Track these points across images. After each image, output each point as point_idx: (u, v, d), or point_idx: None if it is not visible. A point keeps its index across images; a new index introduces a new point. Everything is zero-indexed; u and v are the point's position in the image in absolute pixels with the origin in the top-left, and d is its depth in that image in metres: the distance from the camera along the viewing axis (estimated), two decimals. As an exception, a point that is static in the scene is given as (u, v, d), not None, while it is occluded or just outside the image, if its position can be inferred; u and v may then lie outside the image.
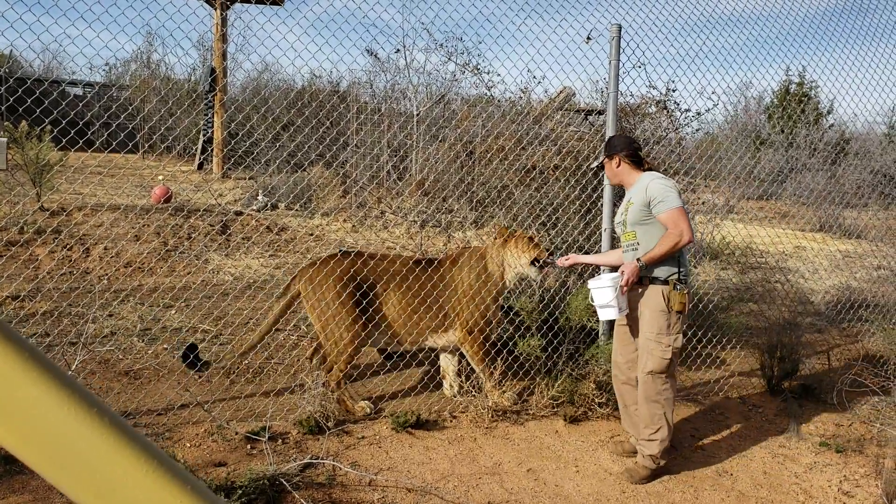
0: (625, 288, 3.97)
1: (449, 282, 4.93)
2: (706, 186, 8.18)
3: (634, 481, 4.07)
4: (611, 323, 5.14)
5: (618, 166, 4.25)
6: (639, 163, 4.25)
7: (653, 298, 4.01)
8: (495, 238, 4.93)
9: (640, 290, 4.09)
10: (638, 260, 3.94)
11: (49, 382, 0.63)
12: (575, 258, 4.65)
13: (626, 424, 4.43)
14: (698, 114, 5.75)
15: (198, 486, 0.65)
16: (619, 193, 5.48)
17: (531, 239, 4.83)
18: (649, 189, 3.99)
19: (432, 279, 4.88)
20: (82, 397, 0.64)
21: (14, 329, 0.64)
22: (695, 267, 7.94)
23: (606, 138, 4.46)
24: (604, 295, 3.98)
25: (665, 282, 3.99)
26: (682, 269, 4.02)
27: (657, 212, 3.95)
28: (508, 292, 5.19)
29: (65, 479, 0.63)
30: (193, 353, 4.59)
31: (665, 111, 5.81)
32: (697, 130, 5.89)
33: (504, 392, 4.83)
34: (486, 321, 4.88)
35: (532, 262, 4.77)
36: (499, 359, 5.08)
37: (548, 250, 4.84)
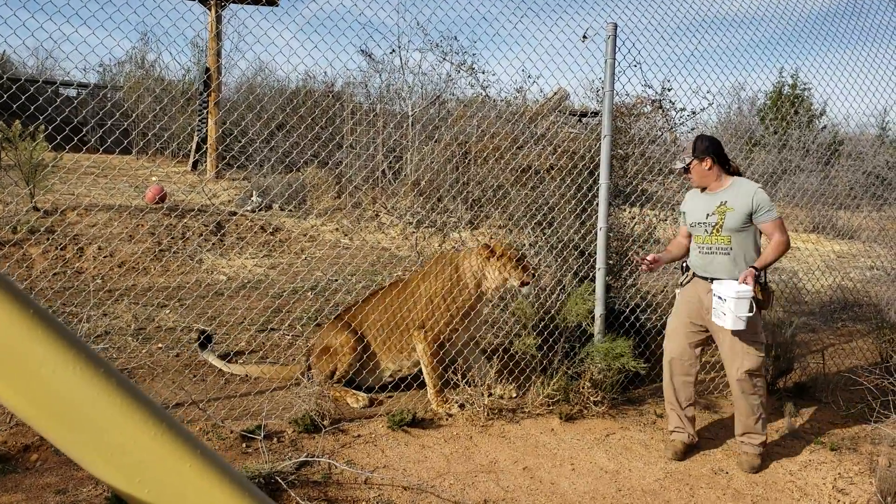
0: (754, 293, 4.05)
1: (418, 292, 4.98)
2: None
3: (753, 470, 4.29)
4: (607, 322, 5.15)
5: (709, 168, 4.26)
6: (726, 165, 4.31)
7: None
8: (481, 253, 4.91)
9: None
10: (755, 268, 4.07)
11: (56, 342, 0.61)
12: (658, 259, 4.54)
13: (674, 422, 4.53)
14: (693, 113, 5.76)
15: (207, 451, 0.64)
16: (614, 193, 5.49)
17: (519, 260, 4.85)
18: (757, 198, 4.13)
19: (403, 295, 5.01)
20: (90, 358, 0.62)
21: (19, 286, 0.63)
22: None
23: (690, 145, 4.35)
24: (744, 306, 3.99)
25: (756, 283, 4.12)
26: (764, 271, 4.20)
27: (763, 220, 4.12)
28: (493, 299, 5.24)
29: (71, 442, 0.62)
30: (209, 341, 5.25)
31: (661, 110, 5.81)
32: (693, 130, 5.88)
33: (446, 401, 4.84)
34: (445, 324, 4.87)
35: (519, 282, 4.83)
36: (494, 358, 5.08)
37: (528, 270, 4.84)
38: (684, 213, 4.51)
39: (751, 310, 3.97)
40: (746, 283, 4.01)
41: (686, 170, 4.34)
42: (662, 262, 4.60)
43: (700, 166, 4.28)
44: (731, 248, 4.21)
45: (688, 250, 4.57)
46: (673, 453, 4.42)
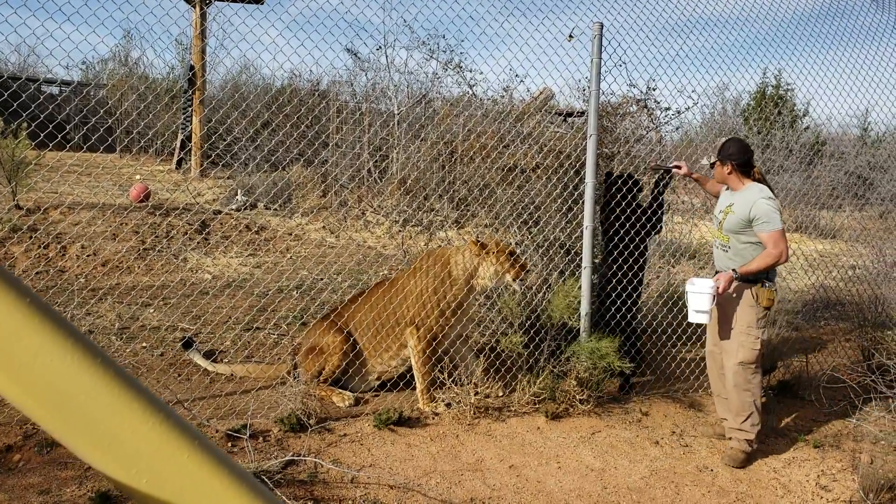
0: (720, 295, 4.27)
1: (408, 290, 4.96)
2: (684, 187, 8.24)
3: (735, 465, 4.38)
4: (593, 321, 5.17)
5: (729, 172, 4.46)
6: (748, 171, 4.46)
7: (743, 295, 4.35)
8: (472, 247, 4.89)
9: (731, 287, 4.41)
10: (734, 271, 4.25)
11: (52, 331, 0.60)
12: (694, 174, 5.04)
13: (720, 410, 4.74)
14: (678, 112, 5.78)
15: (205, 441, 0.64)
16: (599, 191, 5.50)
17: (512, 256, 4.86)
18: (756, 208, 4.26)
19: (390, 294, 5.00)
20: (86, 347, 0.61)
21: (14, 275, 0.62)
22: (673, 267, 8.00)
23: (720, 142, 4.55)
24: (702, 301, 4.22)
25: (754, 280, 4.32)
26: (769, 270, 4.34)
27: (759, 230, 4.26)
28: (481, 295, 5.23)
29: (68, 432, 0.61)
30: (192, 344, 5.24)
31: (645, 109, 5.84)
32: (678, 129, 5.92)
33: (433, 399, 4.84)
34: (436, 320, 4.86)
35: (514, 279, 4.83)
36: (481, 357, 5.09)
37: (525, 269, 4.88)
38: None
39: (711, 304, 4.20)
40: (717, 283, 4.22)
41: (711, 165, 4.60)
42: (697, 177, 5.03)
43: (721, 168, 4.50)
44: (728, 247, 4.45)
45: (717, 194, 4.84)
46: (714, 433, 4.77)
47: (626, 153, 5.80)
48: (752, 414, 4.40)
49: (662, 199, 5.45)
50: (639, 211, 5.34)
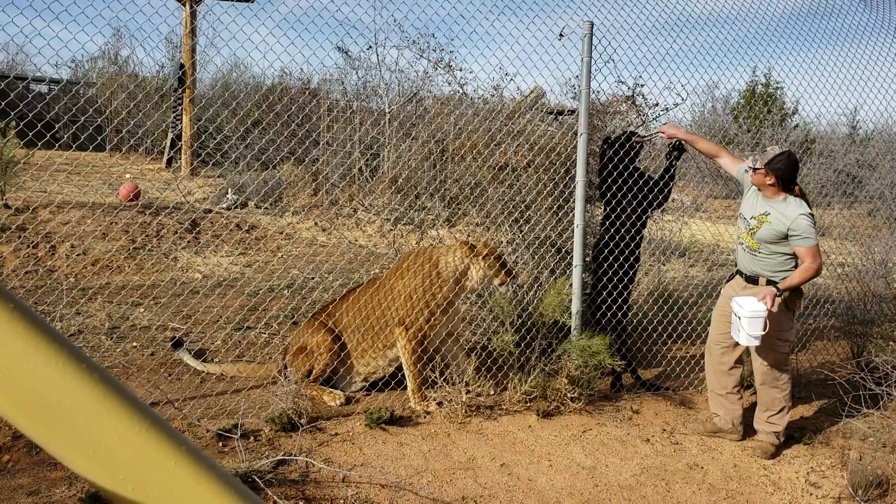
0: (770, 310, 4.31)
1: (397, 291, 4.95)
2: (674, 185, 8.26)
3: (766, 456, 4.54)
4: (585, 319, 5.19)
5: (770, 183, 4.42)
6: (789, 187, 4.45)
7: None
8: (462, 248, 4.89)
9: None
10: (777, 288, 4.30)
11: (36, 337, 0.59)
12: (677, 133, 5.10)
13: (712, 406, 4.87)
14: (666, 109, 5.80)
15: (192, 447, 0.63)
16: (590, 188, 5.51)
17: (500, 260, 4.91)
18: (795, 224, 4.29)
19: (380, 294, 5.00)
20: (71, 353, 0.61)
21: None
22: (663, 264, 8.03)
23: (771, 154, 4.39)
24: (757, 325, 4.23)
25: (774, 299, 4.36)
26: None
27: (796, 244, 4.31)
28: (471, 294, 5.24)
29: (52, 439, 0.60)
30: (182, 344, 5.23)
31: (633, 105, 5.85)
32: (665, 123, 5.92)
33: (425, 398, 4.84)
34: (426, 320, 4.85)
35: (500, 284, 4.91)
36: (472, 355, 5.09)
37: (511, 274, 4.93)
38: (742, 197, 4.75)
39: (764, 328, 4.20)
40: (765, 303, 4.23)
41: (755, 169, 4.48)
42: (683, 137, 5.09)
43: (763, 177, 4.43)
44: (758, 252, 4.48)
45: (712, 155, 5.00)
46: (704, 430, 4.82)
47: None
48: (781, 409, 4.57)
49: (675, 171, 5.41)
50: (637, 175, 5.31)
